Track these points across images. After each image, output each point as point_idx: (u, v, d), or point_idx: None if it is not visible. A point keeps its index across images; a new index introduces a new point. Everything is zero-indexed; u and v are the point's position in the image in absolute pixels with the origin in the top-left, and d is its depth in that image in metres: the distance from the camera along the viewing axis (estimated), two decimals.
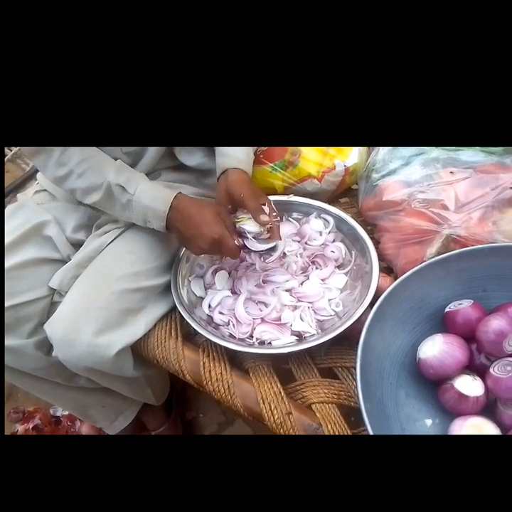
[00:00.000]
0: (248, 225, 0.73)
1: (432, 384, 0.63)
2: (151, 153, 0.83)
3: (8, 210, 0.89)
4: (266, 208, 0.73)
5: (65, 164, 0.74)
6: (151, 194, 0.75)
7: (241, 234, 0.74)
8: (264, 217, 0.71)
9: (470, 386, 0.59)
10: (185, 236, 0.74)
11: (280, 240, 0.75)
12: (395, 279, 0.70)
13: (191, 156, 0.88)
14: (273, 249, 0.76)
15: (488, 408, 0.59)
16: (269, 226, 0.72)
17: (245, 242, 0.74)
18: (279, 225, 0.75)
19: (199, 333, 0.73)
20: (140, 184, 0.75)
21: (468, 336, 0.62)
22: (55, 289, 0.84)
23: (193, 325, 0.73)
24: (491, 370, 0.58)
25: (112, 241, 0.83)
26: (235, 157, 0.80)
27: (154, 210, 0.74)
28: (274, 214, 0.74)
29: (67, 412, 1.26)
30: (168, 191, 0.76)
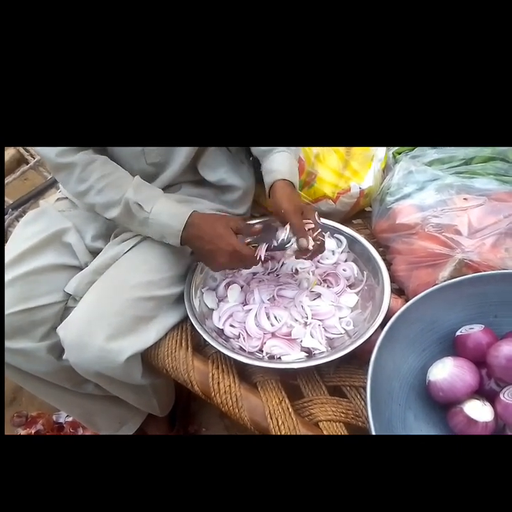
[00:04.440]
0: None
1: (441, 407, 0.63)
2: (175, 166, 0.85)
3: (30, 215, 0.91)
4: (310, 224, 0.75)
5: (86, 180, 0.77)
6: (167, 212, 0.77)
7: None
8: (303, 243, 0.73)
9: (479, 411, 0.59)
10: (203, 253, 0.77)
11: (321, 252, 0.77)
12: (406, 301, 0.70)
13: (212, 172, 0.90)
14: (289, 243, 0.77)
15: (497, 434, 0.59)
16: (311, 245, 0.73)
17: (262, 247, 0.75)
18: (323, 241, 0.76)
19: (209, 344, 0.74)
20: (157, 202, 0.78)
21: (479, 360, 0.62)
22: (71, 295, 0.85)
23: (204, 336, 0.74)
24: (501, 396, 0.58)
25: (129, 250, 0.85)
26: (278, 170, 0.82)
27: (170, 228, 0.77)
28: (319, 230, 0.75)
29: (70, 419, 1.26)
30: (183, 209, 0.78)
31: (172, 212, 0.77)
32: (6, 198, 1.15)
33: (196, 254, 0.80)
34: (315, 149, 1.02)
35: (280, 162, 0.83)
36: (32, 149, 0.81)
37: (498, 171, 0.87)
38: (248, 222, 0.91)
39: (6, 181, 1.14)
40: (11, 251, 0.84)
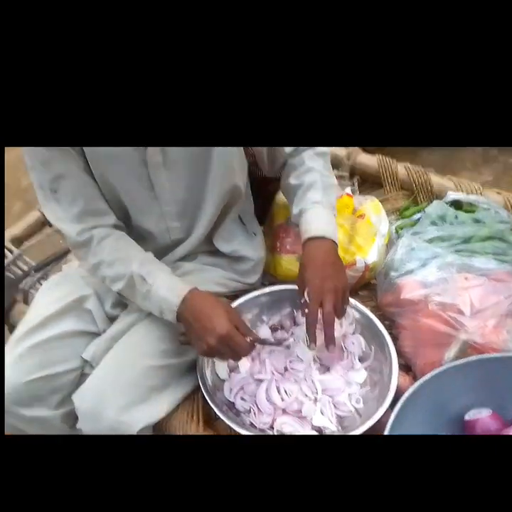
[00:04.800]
0: None
1: None
2: (193, 239, 0.90)
3: (52, 281, 0.95)
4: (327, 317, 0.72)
5: (98, 254, 0.80)
6: (166, 286, 0.77)
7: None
8: (312, 347, 0.72)
9: None
10: (193, 330, 0.74)
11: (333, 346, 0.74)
12: (414, 378, 0.73)
13: (227, 244, 0.94)
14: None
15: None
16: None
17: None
18: (333, 334, 0.73)
19: (220, 418, 0.75)
20: (160, 276, 0.78)
21: None
22: (87, 361, 0.87)
23: (216, 410, 0.75)
24: None
25: (145, 318, 0.87)
26: (308, 230, 0.79)
27: (168, 302, 0.76)
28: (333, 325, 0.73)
29: None
30: (183, 285, 0.78)
31: (172, 286, 0.78)
32: (28, 259, 1.19)
33: (186, 332, 0.76)
34: None
35: (310, 220, 0.80)
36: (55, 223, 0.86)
37: (496, 250, 0.92)
38: (256, 293, 0.94)
39: (29, 243, 1.19)
40: (33, 316, 0.86)
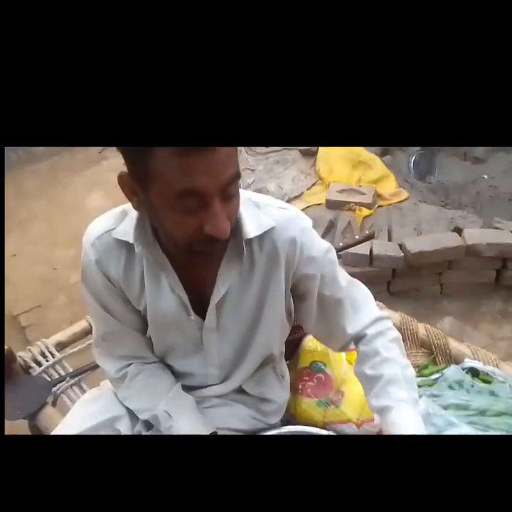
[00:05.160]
0: None
1: None
2: (227, 385, 0.94)
3: (89, 395, 1.02)
4: None
5: (129, 388, 0.88)
6: (190, 427, 0.82)
7: None
8: None
9: None
10: None
11: None
12: None
13: (256, 386, 0.99)
14: None
15: None
16: None
17: None
18: None
19: None
20: (184, 415, 0.83)
21: None
22: None
23: None
24: None
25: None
26: (404, 431, 0.75)
27: None
28: None
29: None
30: (205, 428, 0.83)
31: (193, 428, 0.82)
32: (66, 365, 1.28)
33: None
34: (344, 367, 1.14)
35: (398, 423, 0.76)
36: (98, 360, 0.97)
37: (510, 427, 0.96)
38: (273, 432, 0.97)
39: (71, 350, 1.30)
40: (67, 429, 0.91)
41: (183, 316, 0.80)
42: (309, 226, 0.79)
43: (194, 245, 0.63)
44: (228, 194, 0.61)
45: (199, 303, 0.79)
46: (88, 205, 3.38)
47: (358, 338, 0.85)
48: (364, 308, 0.86)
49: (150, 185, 0.59)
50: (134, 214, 0.70)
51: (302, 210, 2.54)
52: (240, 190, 0.70)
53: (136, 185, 0.61)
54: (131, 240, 0.70)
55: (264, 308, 0.81)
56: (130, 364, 0.89)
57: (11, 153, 4.24)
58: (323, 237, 2.44)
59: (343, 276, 0.85)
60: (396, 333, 0.87)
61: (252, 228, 0.71)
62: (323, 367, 1.12)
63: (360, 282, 0.90)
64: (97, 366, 1.33)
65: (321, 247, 0.80)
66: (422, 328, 1.25)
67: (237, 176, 0.61)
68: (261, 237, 0.74)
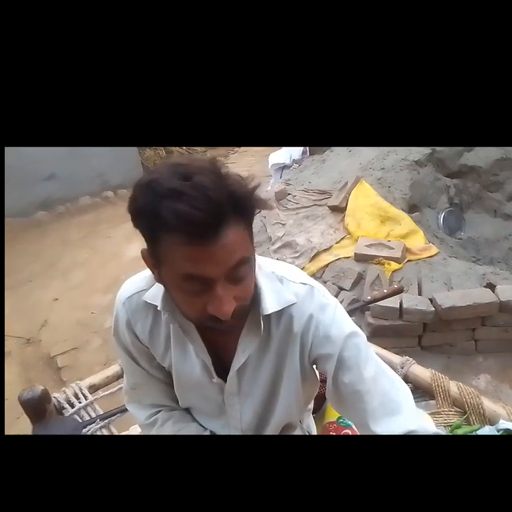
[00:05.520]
0: None
1: None
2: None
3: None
4: None
5: (160, 433, 0.90)
6: None
7: None
8: None
9: None
10: None
11: None
12: None
13: None
14: None
15: None
16: None
17: None
18: None
19: None
20: None
21: None
22: None
23: None
24: None
25: None
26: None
27: None
28: None
29: None
30: None
31: None
32: (98, 407, 1.33)
33: None
34: None
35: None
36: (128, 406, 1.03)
37: None
38: None
39: (102, 393, 1.35)
40: None
41: (206, 379, 0.80)
42: (332, 305, 0.75)
43: (203, 322, 0.64)
44: (235, 277, 0.60)
45: (221, 367, 0.79)
46: (126, 255, 3.57)
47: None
48: (397, 413, 0.72)
49: (161, 266, 0.61)
50: None
51: (331, 262, 2.64)
52: (265, 262, 0.73)
53: (154, 261, 0.63)
54: (159, 306, 0.72)
55: (281, 381, 0.80)
56: (159, 411, 0.91)
57: (59, 205, 4.61)
58: (351, 289, 2.50)
59: (372, 368, 0.74)
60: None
61: (271, 304, 0.71)
62: (350, 423, 1.09)
63: (403, 382, 0.80)
64: (126, 410, 1.38)
65: (343, 328, 0.73)
66: (454, 386, 1.21)
67: (245, 260, 0.61)
68: (279, 312, 0.72)
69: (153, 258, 0.62)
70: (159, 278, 0.65)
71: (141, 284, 0.78)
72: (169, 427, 0.90)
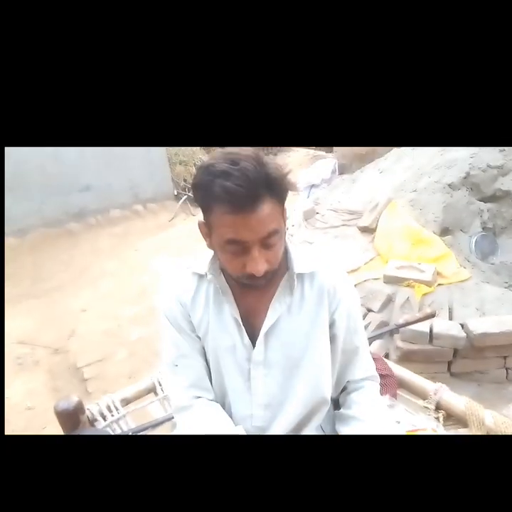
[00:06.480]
0: None
1: None
2: (271, 432, 0.94)
3: None
4: None
5: (196, 416, 0.91)
6: None
7: None
8: None
9: None
10: None
11: None
12: None
13: None
14: None
15: None
16: None
17: None
18: None
19: None
20: None
21: None
22: None
23: None
24: None
25: None
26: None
27: None
28: None
29: None
30: None
31: None
32: (129, 420, 1.34)
33: None
34: None
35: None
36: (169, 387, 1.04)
37: None
38: None
39: (132, 407, 1.36)
40: None
41: (238, 339, 0.88)
42: (350, 281, 0.93)
43: (241, 279, 0.79)
44: (268, 243, 0.74)
45: (251, 333, 0.88)
46: (153, 267, 3.62)
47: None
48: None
49: (212, 232, 0.77)
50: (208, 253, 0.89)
51: (359, 283, 2.60)
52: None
53: (207, 229, 0.78)
54: (203, 271, 0.87)
55: (309, 344, 0.88)
56: (196, 397, 0.93)
57: (90, 217, 4.73)
58: (379, 311, 2.46)
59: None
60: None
61: (303, 266, 0.86)
62: None
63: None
64: (157, 425, 1.38)
65: (356, 297, 0.95)
66: (488, 415, 1.19)
67: (276, 231, 0.74)
68: (312, 276, 0.88)
69: (207, 226, 0.77)
70: (210, 244, 0.81)
71: (188, 262, 0.92)
72: (208, 413, 0.91)
